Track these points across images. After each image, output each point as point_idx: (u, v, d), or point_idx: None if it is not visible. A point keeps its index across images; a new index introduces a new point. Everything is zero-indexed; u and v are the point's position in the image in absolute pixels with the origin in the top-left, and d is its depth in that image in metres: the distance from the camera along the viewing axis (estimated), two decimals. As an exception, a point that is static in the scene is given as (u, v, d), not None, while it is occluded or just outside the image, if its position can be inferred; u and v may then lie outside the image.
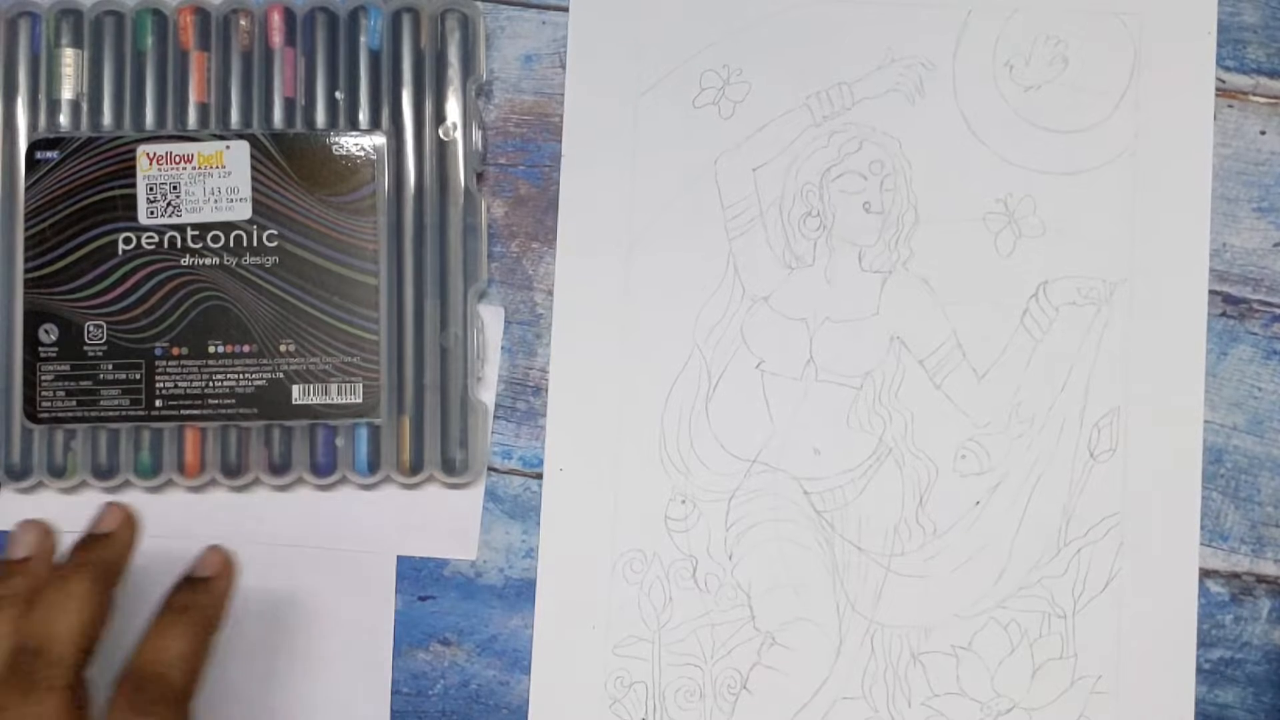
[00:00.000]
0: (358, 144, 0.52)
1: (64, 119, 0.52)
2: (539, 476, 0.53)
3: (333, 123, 0.52)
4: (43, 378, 0.51)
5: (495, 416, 0.53)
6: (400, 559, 0.52)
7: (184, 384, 0.51)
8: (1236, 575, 0.52)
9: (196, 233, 0.51)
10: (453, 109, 0.52)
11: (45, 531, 0.44)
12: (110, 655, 0.43)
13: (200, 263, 0.51)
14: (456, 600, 0.52)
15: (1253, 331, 0.52)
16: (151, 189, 0.51)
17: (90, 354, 0.51)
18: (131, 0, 0.53)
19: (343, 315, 0.51)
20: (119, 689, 0.40)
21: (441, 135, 0.52)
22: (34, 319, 0.51)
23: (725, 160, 0.53)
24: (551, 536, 0.52)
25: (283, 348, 0.51)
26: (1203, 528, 0.52)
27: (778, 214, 0.53)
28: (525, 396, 0.53)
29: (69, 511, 0.52)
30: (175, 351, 0.51)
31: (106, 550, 0.44)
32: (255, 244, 0.51)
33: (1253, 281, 0.53)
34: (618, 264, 0.53)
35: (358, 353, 0.51)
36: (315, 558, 0.52)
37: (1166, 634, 0.51)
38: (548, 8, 0.54)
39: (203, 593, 0.44)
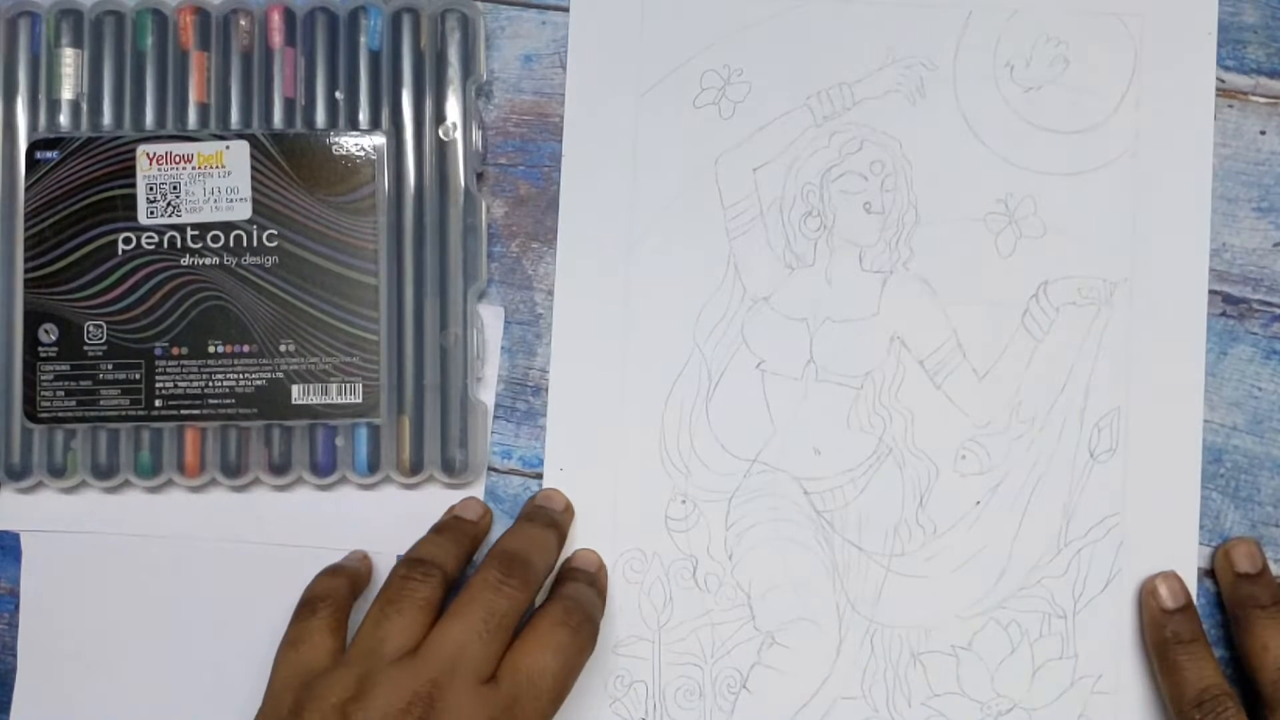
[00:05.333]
0: (358, 144, 0.52)
1: (64, 119, 0.52)
2: (539, 476, 0.53)
3: (333, 123, 0.52)
4: (42, 377, 0.51)
5: (495, 416, 0.53)
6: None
7: (184, 384, 0.51)
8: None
9: (196, 233, 0.51)
10: (453, 109, 0.52)
11: (487, 509, 0.52)
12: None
13: (200, 263, 0.51)
14: (457, 600, 0.52)
15: (1252, 331, 0.53)
16: (151, 189, 0.51)
17: (90, 354, 0.51)
18: (131, 0, 0.53)
19: (343, 315, 0.51)
20: (555, 601, 0.48)
21: (441, 135, 0.52)
22: (34, 319, 0.51)
23: (725, 160, 0.53)
24: (552, 536, 0.52)
25: (282, 348, 0.51)
26: (1202, 527, 0.52)
27: (778, 214, 0.53)
28: (525, 396, 0.53)
29: (68, 511, 0.53)
30: (175, 351, 0.51)
31: (563, 519, 0.51)
32: (255, 244, 0.51)
33: (1253, 281, 0.53)
34: (618, 264, 0.53)
35: (358, 353, 0.51)
36: (315, 557, 0.52)
37: (1166, 634, 0.51)
38: (548, 8, 0.54)
39: (589, 585, 0.50)
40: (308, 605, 0.48)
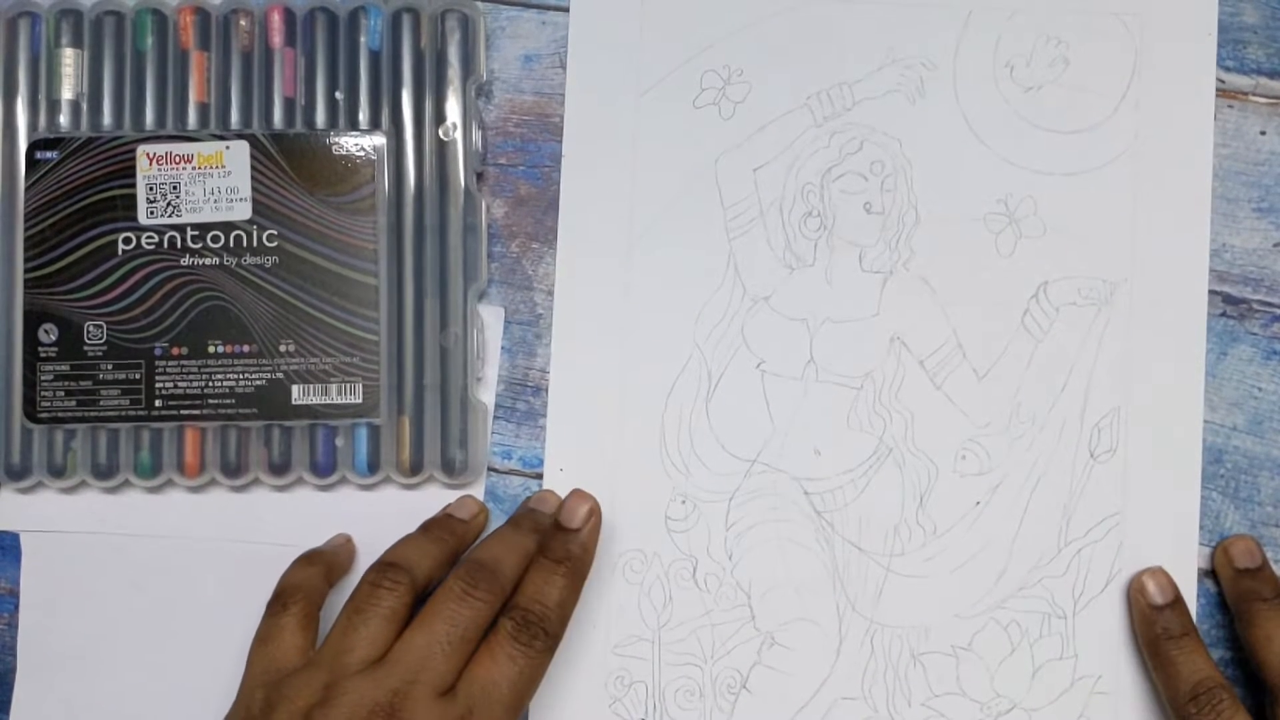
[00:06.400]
0: (358, 144, 0.52)
1: (64, 119, 0.52)
2: (539, 477, 0.53)
3: (333, 123, 0.52)
4: (42, 377, 0.51)
5: (495, 417, 0.53)
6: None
7: (184, 384, 0.51)
8: (1236, 575, 0.52)
9: (196, 233, 0.51)
10: (453, 109, 0.52)
11: (482, 508, 0.52)
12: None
13: (200, 263, 0.51)
14: (456, 600, 0.52)
15: (1253, 332, 0.53)
16: (151, 189, 0.51)
17: (90, 354, 0.51)
18: (131, 0, 0.53)
19: (343, 315, 0.51)
20: (507, 617, 0.47)
21: (441, 135, 0.52)
22: (34, 319, 0.51)
23: (726, 160, 0.53)
24: (551, 536, 0.52)
25: (282, 348, 0.51)
26: (1202, 528, 0.52)
27: (778, 214, 0.53)
28: (525, 396, 0.53)
29: (68, 511, 0.53)
30: (175, 351, 0.51)
31: (541, 517, 0.51)
32: (255, 244, 0.51)
33: (1253, 281, 0.53)
34: (618, 264, 0.53)
35: (358, 353, 0.51)
36: (315, 558, 0.52)
37: (1166, 634, 0.51)
38: (548, 8, 0.54)
39: (575, 543, 0.49)
40: (278, 599, 0.49)
